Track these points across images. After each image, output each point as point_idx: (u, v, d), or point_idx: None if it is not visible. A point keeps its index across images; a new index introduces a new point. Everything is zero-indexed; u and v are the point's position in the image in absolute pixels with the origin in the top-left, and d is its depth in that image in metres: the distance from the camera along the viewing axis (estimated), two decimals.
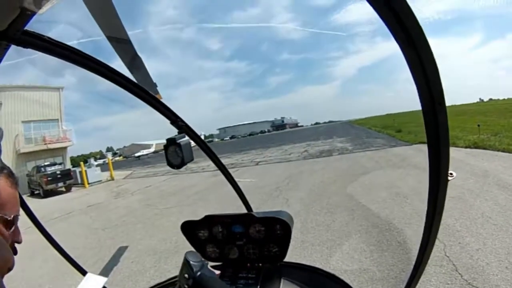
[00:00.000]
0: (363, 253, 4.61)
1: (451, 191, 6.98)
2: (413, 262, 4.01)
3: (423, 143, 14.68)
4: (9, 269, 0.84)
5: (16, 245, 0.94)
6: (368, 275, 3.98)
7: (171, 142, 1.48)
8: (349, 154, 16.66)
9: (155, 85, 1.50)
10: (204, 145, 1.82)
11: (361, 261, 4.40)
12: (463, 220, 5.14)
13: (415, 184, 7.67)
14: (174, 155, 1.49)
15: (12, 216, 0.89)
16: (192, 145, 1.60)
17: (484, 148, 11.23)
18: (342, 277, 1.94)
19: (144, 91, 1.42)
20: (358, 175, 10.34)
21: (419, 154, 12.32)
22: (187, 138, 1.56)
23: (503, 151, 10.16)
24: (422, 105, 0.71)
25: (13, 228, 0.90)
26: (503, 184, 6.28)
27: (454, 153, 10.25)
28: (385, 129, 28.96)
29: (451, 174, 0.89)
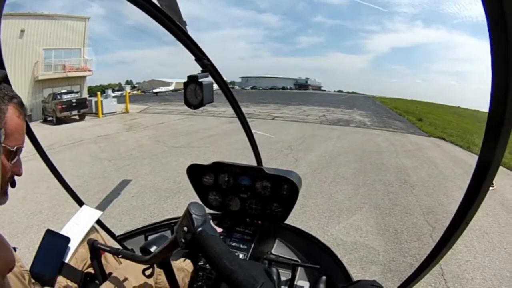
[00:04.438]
0: (359, 231, 4.42)
1: (457, 195, 6.20)
2: (405, 254, 3.72)
3: (442, 138, 14.16)
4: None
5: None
6: (358, 254, 3.81)
7: (192, 79, 1.30)
8: (366, 129, 16.00)
9: (180, 14, 1.20)
10: (227, 89, 1.59)
11: (355, 238, 4.22)
12: None
13: (425, 177, 7.26)
14: (193, 94, 1.30)
15: (15, 147, 0.83)
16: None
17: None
18: (336, 252, 1.73)
19: (170, 19, 1.12)
20: (371, 152, 9.96)
21: (436, 148, 11.65)
22: (210, 78, 1.39)
23: None
24: (492, 102, 0.57)
25: (15, 160, 0.84)
26: (507, 204, 5.74)
27: (471, 161, 9.54)
28: (407, 113, 27.40)
29: (492, 184, 0.76)
